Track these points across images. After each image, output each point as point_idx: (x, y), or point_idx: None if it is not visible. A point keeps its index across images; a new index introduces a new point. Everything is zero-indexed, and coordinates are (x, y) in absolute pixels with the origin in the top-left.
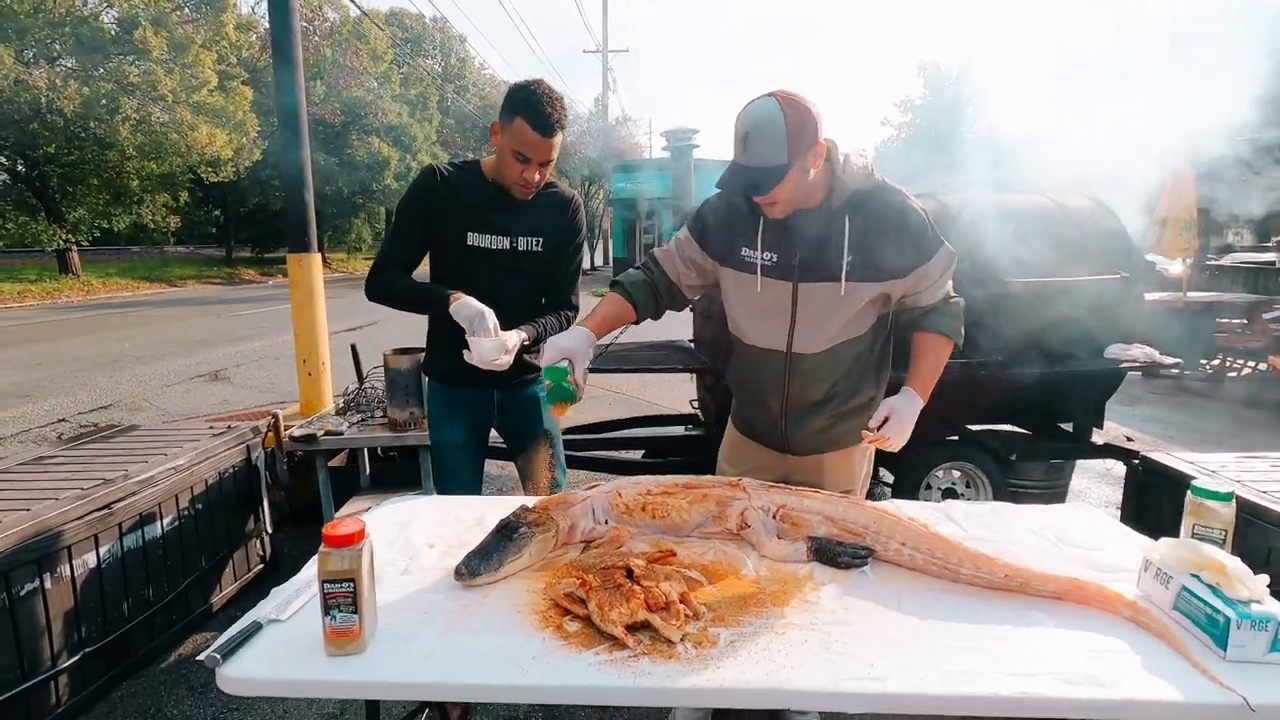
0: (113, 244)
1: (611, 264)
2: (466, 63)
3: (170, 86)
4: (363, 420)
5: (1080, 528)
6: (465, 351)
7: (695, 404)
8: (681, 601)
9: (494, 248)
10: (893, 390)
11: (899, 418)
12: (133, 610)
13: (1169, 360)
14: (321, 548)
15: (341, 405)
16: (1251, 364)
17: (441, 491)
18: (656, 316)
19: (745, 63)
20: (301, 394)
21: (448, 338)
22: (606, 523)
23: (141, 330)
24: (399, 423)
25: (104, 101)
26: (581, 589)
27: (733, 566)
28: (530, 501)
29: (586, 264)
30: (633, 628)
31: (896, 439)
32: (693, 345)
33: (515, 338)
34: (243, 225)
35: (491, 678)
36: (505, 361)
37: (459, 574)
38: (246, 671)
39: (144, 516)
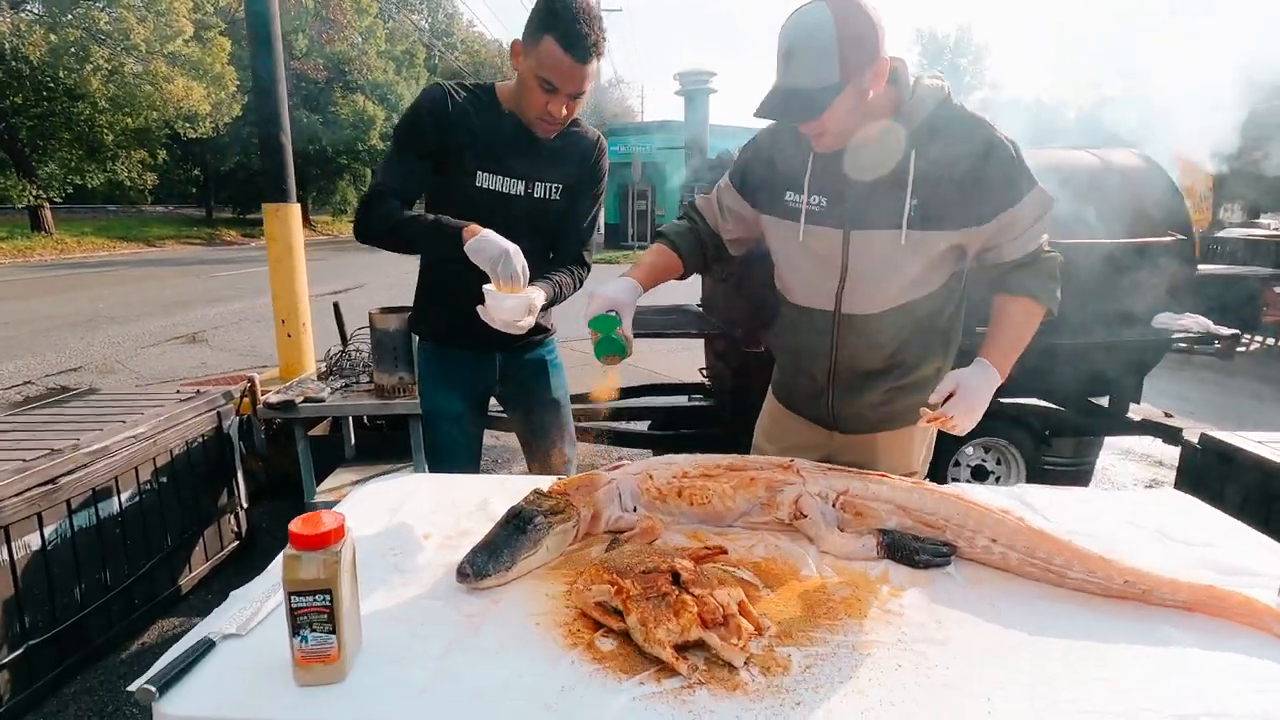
0: (88, 203)
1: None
2: (455, 18)
3: (143, 35)
4: (346, 386)
5: (1181, 518)
6: (480, 308)
7: (704, 372)
8: (742, 614)
9: (508, 192)
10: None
11: (967, 394)
12: (87, 595)
13: (1225, 331)
14: (287, 549)
15: (323, 369)
16: (1260, 339)
17: (434, 468)
18: (704, 269)
19: (742, 25)
20: (280, 357)
21: (444, 289)
22: (635, 510)
23: (117, 290)
24: (386, 389)
25: (73, 50)
26: (618, 598)
27: (790, 565)
28: (544, 484)
29: None
30: (682, 647)
31: (963, 419)
32: (701, 310)
33: (540, 295)
34: (223, 184)
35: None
36: (528, 323)
37: (463, 575)
38: (193, 708)
39: (98, 492)
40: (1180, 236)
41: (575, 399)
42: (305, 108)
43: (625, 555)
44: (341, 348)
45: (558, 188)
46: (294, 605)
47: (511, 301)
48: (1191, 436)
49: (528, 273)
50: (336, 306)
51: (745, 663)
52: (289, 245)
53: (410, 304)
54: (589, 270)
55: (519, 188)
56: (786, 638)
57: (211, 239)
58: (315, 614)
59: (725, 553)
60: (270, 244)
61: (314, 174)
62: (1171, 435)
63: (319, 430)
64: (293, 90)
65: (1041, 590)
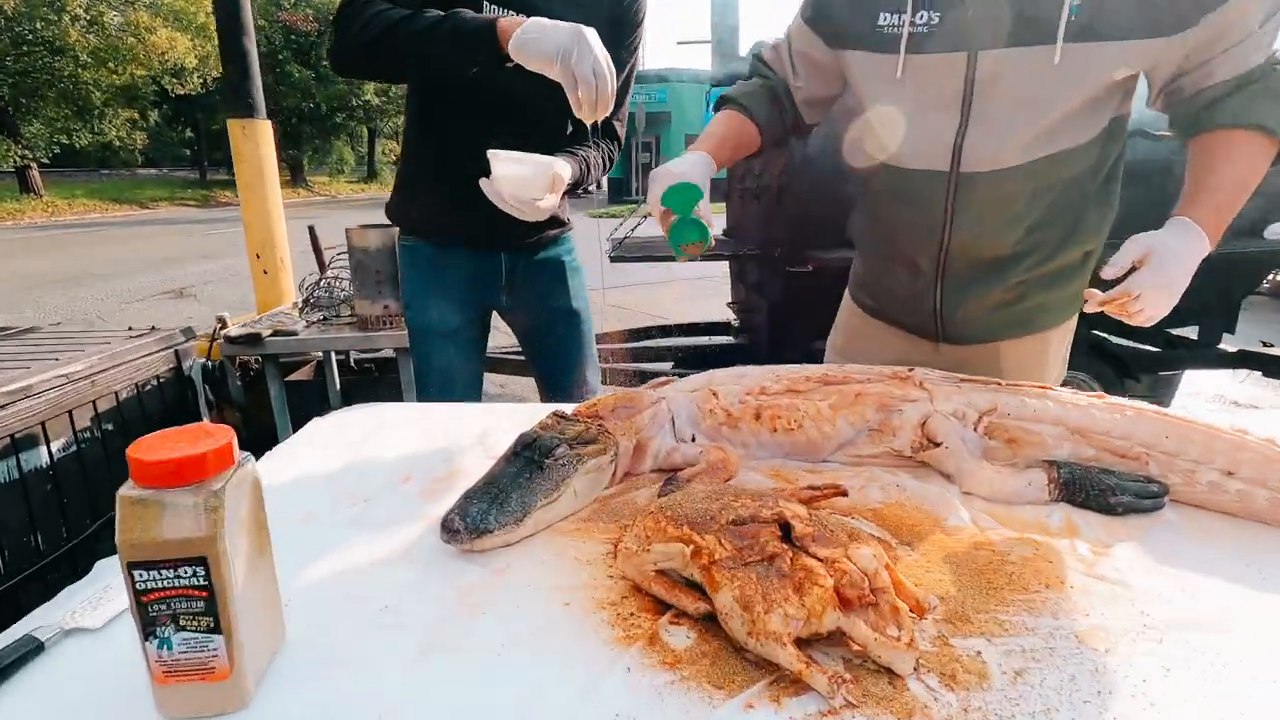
0: (81, 165)
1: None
2: None
3: None
4: (325, 320)
5: None
6: (485, 181)
7: (734, 306)
8: (895, 589)
9: None
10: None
11: (1163, 265)
12: (13, 563)
13: None
14: (125, 489)
15: (300, 302)
16: None
17: (425, 400)
18: (783, 138)
19: None
20: (257, 297)
21: (436, 162)
22: (694, 439)
23: (106, 248)
24: (370, 320)
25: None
26: (696, 563)
27: (926, 513)
28: (566, 409)
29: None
30: (806, 642)
31: (1154, 301)
32: (727, 238)
33: (566, 167)
34: (216, 144)
35: None
36: (550, 204)
37: (451, 530)
38: None
39: (18, 440)
40: None
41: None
42: (296, 62)
43: (696, 498)
44: (320, 276)
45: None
46: (141, 587)
47: (528, 168)
48: None
49: (612, 72)
50: (312, 230)
51: (915, 668)
52: (259, 168)
53: None
54: (621, 147)
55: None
56: (963, 623)
57: (206, 200)
58: (181, 601)
59: (844, 493)
60: (239, 166)
61: (308, 132)
62: (1278, 366)
63: (301, 374)
64: (282, 44)
65: None
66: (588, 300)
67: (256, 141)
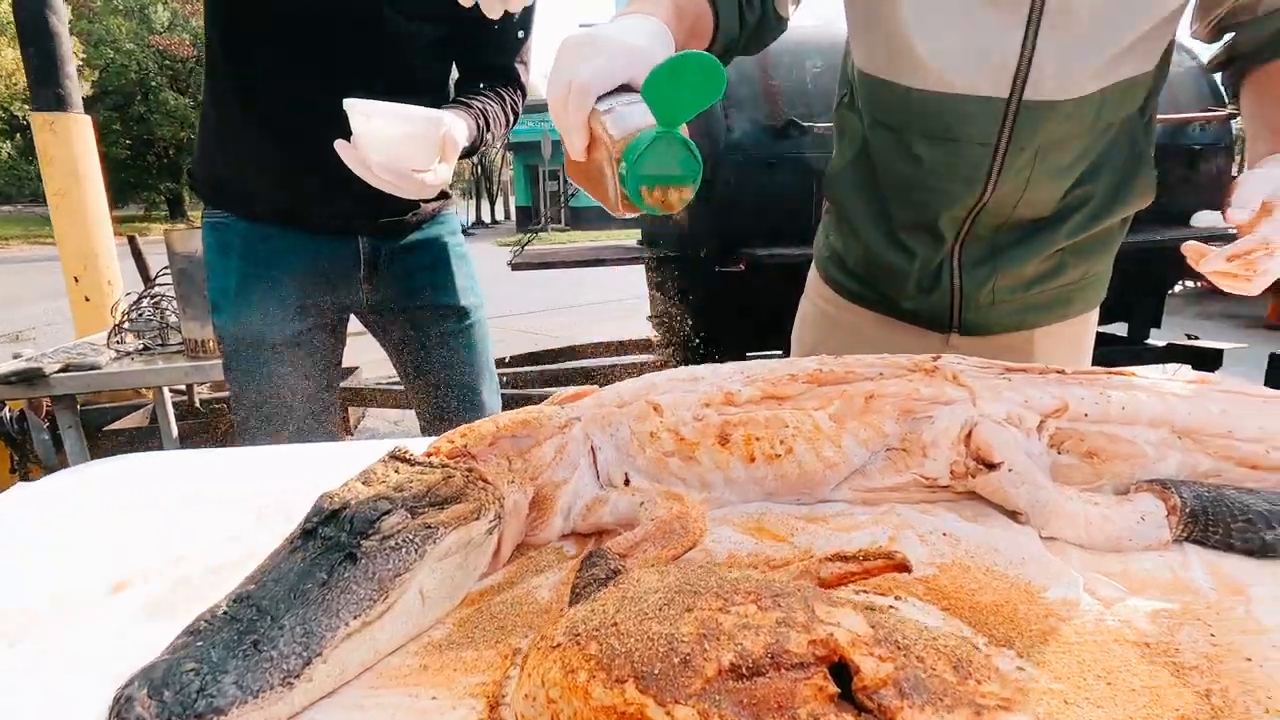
0: None
1: (514, 216)
2: None
3: None
4: (147, 349)
5: None
6: (342, 144)
7: (654, 320)
8: None
9: None
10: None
11: None
12: None
13: None
14: None
15: (121, 325)
16: None
17: (249, 443)
18: (737, 39)
19: None
20: (76, 328)
21: (257, 110)
22: (628, 481)
23: None
24: (201, 346)
25: None
26: None
27: (1012, 581)
28: (418, 444)
29: (485, 215)
30: None
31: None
32: (642, 246)
33: (460, 124)
34: None
35: None
36: (441, 177)
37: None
38: None
39: None
40: (1226, 112)
41: None
42: (172, 89)
43: (645, 606)
44: (144, 292)
45: None
46: None
47: (406, 125)
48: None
49: None
50: (133, 240)
51: None
52: (74, 171)
53: None
54: (525, 97)
55: None
56: None
57: None
58: None
59: (906, 567)
60: (47, 170)
61: (188, 163)
62: (1210, 359)
63: (129, 422)
64: (156, 70)
65: None
66: (482, 297)
67: (69, 140)
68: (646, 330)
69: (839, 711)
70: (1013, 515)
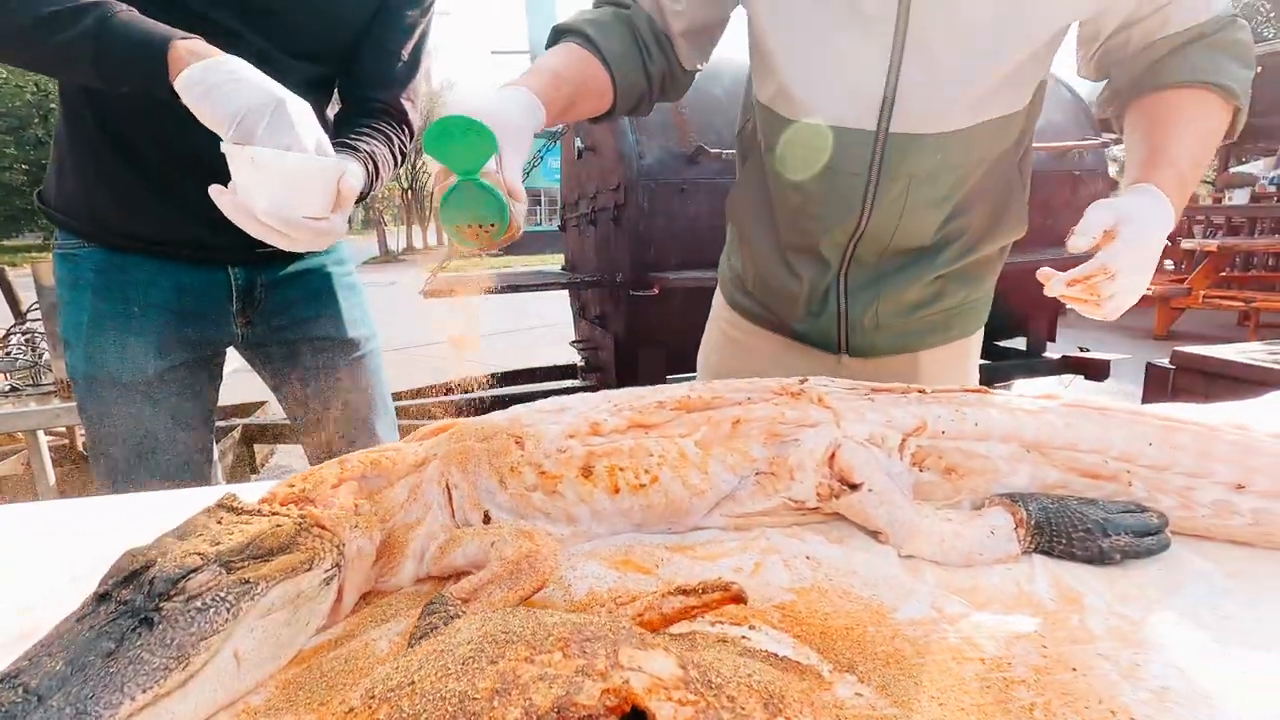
0: None
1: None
2: None
3: None
4: (14, 390)
5: None
6: (218, 190)
7: (578, 345)
8: None
9: None
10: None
11: (1138, 237)
12: None
13: None
14: None
15: None
16: None
17: (112, 489)
18: (645, 96)
19: None
20: None
21: (114, 127)
22: (487, 519)
23: None
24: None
25: None
26: None
27: (865, 604)
28: (250, 490)
29: (394, 245)
30: None
31: (1128, 285)
32: (564, 271)
33: (357, 168)
34: None
35: None
36: (336, 226)
37: None
38: None
39: None
40: (1100, 141)
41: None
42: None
43: (452, 660)
44: (14, 328)
45: None
46: None
47: (295, 166)
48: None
49: (319, 135)
50: (2, 274)
51: None
52: None
53: None
54: (412, 136)
55: None
56: None
57: None
58: None
59: (741, 599)
60: None
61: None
62: (1098, 370)
63: (3, 469)
64: (56, 90)
65: None
66: (374, 328)
67: None
68: (571, 356)
69: None
70: (875, 535)
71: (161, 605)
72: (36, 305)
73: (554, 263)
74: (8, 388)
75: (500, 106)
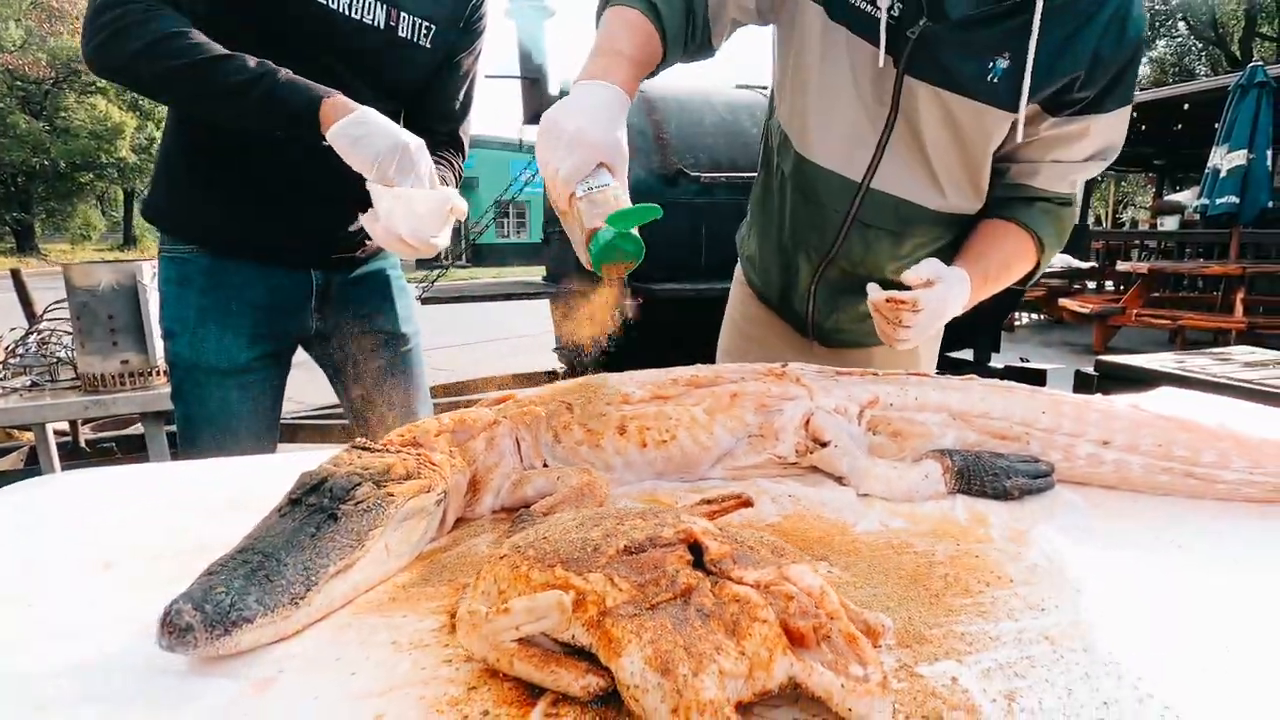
0: None
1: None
2: None
3: None
4: (35, 385)
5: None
6: (367, 217)
7: (560, 352)
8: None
9: (360, 20)
10: None
11: (947, 294)
12: None
13: (1086, 265)
14: None
15: (6, 362)
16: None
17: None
18: (685, 54)
19: None
20: None
21: (232, 155)
22: (546, 465)
23: None
24: (102, 380)
25: None
26: (581, 615)
27: (831, 521)
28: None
29: None
30: (745, 706)
31: (923, 321)
32: (547, 283)
33: (459, 198)
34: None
35: None
36: (446, 241)
37: (175, 629)
38: None
39: None
40: None
41: None
42: (24, 111)
43: (566, 528)
44: (29, 329)
45: (428, 27)
46: None
47: (426, 204)
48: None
49: (434, 171)
50: (16, 274)
51: (893, 714)
52: None
53: None
54: (465, 158)
55: (379, 15)
56: (921, 644)
57: None
58: None
59: (749, 503)
60: None
61: (41, 192)
62: (1037, 378)
63: (4, 464)
64: (7, 91)
65: (1190, 507)
66: (419, 327)
67: None
68: (551, 363)
69: (693, 570)
70: (839, 480)
71: (340, 507)
72: (57, 305)
73: (520, 274)
74: (29, 383)
75: (621, 149)
